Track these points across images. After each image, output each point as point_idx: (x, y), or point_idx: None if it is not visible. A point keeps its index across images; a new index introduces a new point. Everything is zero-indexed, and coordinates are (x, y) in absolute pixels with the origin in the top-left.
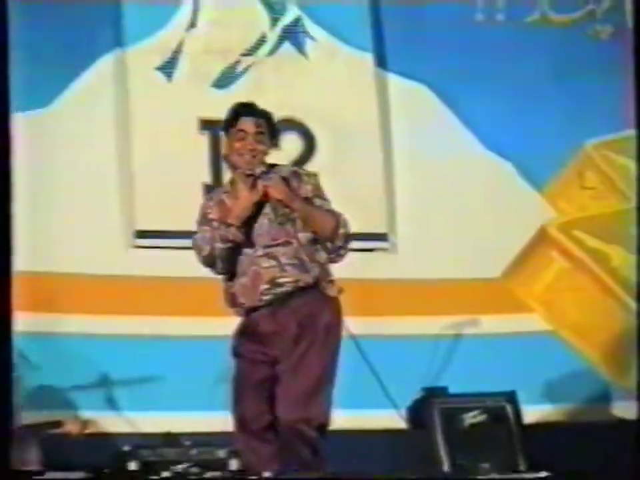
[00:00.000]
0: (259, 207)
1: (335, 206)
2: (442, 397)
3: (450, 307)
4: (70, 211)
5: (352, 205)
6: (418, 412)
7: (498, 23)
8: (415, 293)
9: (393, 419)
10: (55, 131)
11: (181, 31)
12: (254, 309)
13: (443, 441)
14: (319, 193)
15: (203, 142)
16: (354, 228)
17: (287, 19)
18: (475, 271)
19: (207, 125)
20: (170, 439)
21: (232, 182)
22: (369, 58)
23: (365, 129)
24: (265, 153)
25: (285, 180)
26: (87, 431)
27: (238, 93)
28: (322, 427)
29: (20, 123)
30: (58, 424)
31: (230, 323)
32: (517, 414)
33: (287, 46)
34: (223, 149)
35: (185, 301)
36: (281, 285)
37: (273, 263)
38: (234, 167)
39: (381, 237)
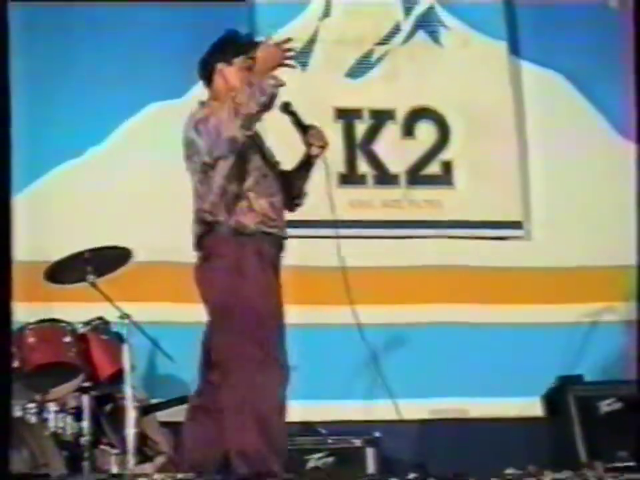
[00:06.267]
0: None
1: (470, 193)
2: (577, 384)
3: (586, 294)
4: None
5: (486, 193)
6: (554, 400)
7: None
8: (550, 280)
9: (530, 406)
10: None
11: (315, 21)
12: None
13: (578, 428)
14: None
15: (337, 131)
16: (489, 216)
17: (420, 8)
18: (610, 259)
19: (342, 114)
20: (307, 427)
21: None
22: (502, 46)
23: (499, 117)
24: None
25: None
26: None
27: (372, 82)
28: None
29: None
30: (185, 400)
31: (370, 313)
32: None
33: (420, 35)
34: (229, 81)
35: (321, 291)
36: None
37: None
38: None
39: (516, 225)
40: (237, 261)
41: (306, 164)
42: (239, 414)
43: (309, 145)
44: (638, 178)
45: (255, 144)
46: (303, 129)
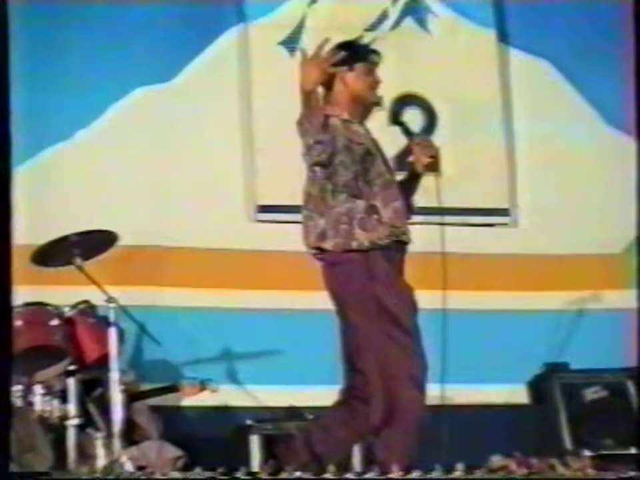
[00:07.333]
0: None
1: (456, 181)
2: (563, 372)
3: (571, 282)
4: (193, 184)
5: (473, 180)
6: (539, 387)
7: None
8: (536, 267)
9: (515, 393)
10: (175, 106)
11: (304, 6)
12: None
13: (564, 416)
14: None
15: None
16: (475, 203)
17: None
18: (596, 246)
19: None
20: (292, 412)
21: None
22: (491, 33)
23: (487, 104)
24: None
25: None
26: (206, 392)
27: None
28: None
29: (141, 97)
30: (175, 388)
31: None
32: (639, 389)
33: (408, 21)
34: (349, 86)
35: (307, 275)
36: None
37: None
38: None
39: (502, 212)
40: (368, 269)
41: (415, 175)
42: (375, 403)
43: (419, 155)
44: (638, 171)
45: (375, 149)
46: (413, 139)
